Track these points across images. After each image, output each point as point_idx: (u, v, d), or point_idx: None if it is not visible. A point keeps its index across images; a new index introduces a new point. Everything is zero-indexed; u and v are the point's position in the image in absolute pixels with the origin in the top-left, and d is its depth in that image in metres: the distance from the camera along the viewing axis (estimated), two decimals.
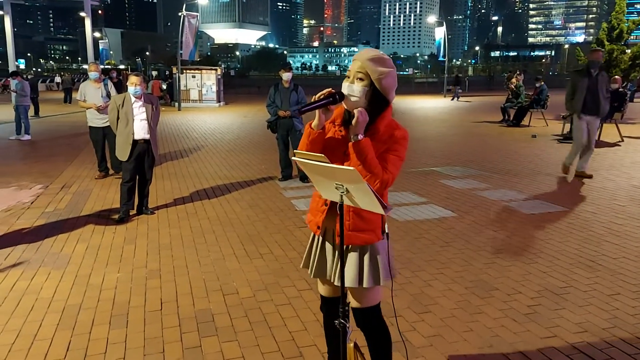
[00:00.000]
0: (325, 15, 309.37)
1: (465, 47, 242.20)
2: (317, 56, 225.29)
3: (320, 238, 2.32)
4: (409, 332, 3.22)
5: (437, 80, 49.29)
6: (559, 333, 3.20)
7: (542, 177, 7.97)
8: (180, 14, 23.98)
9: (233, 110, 22.72)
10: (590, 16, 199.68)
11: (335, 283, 2.25)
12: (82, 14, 21.97)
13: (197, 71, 24.45)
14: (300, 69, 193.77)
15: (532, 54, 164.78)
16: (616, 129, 11.89)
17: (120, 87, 17.02)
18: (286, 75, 7.46)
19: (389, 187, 2.16)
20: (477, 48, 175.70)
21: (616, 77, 15.42)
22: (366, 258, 2.21)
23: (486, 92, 38.01)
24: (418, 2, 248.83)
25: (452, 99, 29.88)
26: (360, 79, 2.07)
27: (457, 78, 34.44)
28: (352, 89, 2.07)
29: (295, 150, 2.06)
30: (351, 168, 1.82)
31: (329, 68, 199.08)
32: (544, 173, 8.27)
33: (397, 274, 2.31)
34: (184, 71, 24.00)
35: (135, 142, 5.60)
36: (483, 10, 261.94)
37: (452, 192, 7.04)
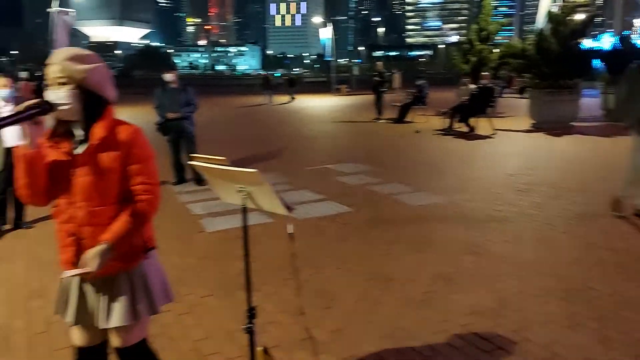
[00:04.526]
0: (211, 14, 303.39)
1: (350, 47, 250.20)
2: (205, 55, 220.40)
3: (76, 278, 1.98)
4: (314, 329, 3.25)
5: (326, 80, 50.38)
6: (452, 317, 3.41)
7: (427, 169, 8.45)
8: (49, 10, 22.23)
9: (119, 112, 21.50)
10: (461, 18, 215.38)
11: (102, 326, 1.96)
12: None
13: None
14: (188, 68, 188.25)
15: (411, 53, 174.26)
16: (489, 122, 12.93)
17: None
18: (169, 76, 7.23)
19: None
20: (360, 48, 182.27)
21: (484, 73, 16.77)
22: (135, 286, 1.96)
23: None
24: (303, 3, 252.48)
25: (272, 102, 25.91)
26: (64, 84, 1.81)
27: (265, 79, 28.55)
28: (58, 95, 1.79)
29: (191, 155, 1.98)
30: (254, 170, 1.79)
31: (218, 67, 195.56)
32: (428, 165, 8.77)
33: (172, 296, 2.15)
34: None
35: (7, 150, 5.09)
36: (365, 12, 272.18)
37: (347, 188, 7.23)
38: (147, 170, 1.92)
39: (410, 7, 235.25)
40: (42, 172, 1.84)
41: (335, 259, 4.50)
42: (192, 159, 1.98)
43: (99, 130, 1.85)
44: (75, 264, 1.91)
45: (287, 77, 29.68)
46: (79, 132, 1.88)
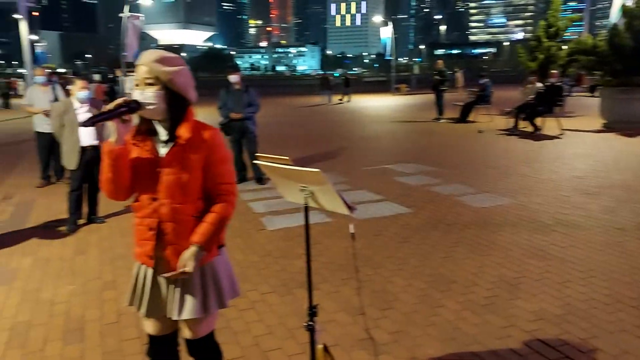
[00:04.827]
0: (272, 16, 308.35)
1: (411, 46, 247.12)
2: (266, 56, 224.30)
3: (150, 270, 2.06)
4: (374, 330, 3.25)
5: (386, 79, 50.06)
6: (516, 322, 3.31)
7: (490, 170, 8.23)
8: (120, 15, 23.33)
9: None
10: (527, 14, 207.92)
11: (174, 317, 2.04)
12: (17, 16, 21.00)
13: None
14: (249, 69, 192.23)
15: (474, 51, 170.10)
16: (556, 122, 12.42)
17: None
18: (233, 78, 7.38)
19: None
20: (422, 46, 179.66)
21: (552, 71, 16.08)
22: (207, 281, 2.04)
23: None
24: (363, 2, 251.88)
25: (331, 101, 26.49)
26: (151, 84, 1.89)
27: (325, 79, 29.03)
28: (145, 95, 1.88)
29: (255, 154, 2.03)
30: (317, 170, 1.82)
31: (278, 68, 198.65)
32: (491, 166, 8.53)
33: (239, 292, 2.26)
34: (128, 73, 23.36)
35: (83, 149, 5.40)
36: (426, 10, 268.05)
37: (406, 188, 7.16)
38: (227, 171, 2.03)
39: (473, 4, 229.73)
40: (126, 168, 1.94)
41: (395, 260, 4.47)
42: (255, 158, 2.03)
43: (185, 131, 1.93)
44: (152, 257, 2.01)
45: (343, 77, 29.67)
46: (162, 132, 1.97)
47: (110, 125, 1.86)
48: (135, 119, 1.95)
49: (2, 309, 3.70)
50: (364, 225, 5.48)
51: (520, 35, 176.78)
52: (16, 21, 21.19)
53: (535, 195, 6.57)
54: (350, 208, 1.92)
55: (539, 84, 13.03)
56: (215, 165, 1.98)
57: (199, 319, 2.05)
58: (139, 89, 1.89)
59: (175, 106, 1.93)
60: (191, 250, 1.93)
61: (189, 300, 2.01)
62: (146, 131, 1.97)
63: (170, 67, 1.90)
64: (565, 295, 3.67)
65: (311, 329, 2.10)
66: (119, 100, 1.86)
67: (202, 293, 2.03)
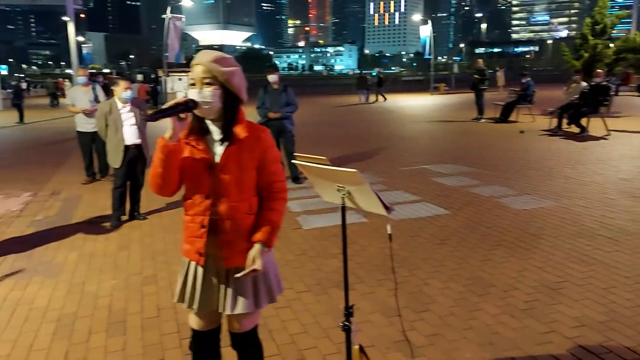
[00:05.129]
0: (310, 15, 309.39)
1: (451, 45, 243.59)
2: (304, 56, 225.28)
3: (200, 267, 2.09)
4: (409, 332, 3.22)
5: (424, 78, 49.50)
6: (557, 328, 3.23)
7: (532, 172, 8.03)
8: (163, 16, 23.85)
9: None
10: (572, 11, 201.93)
11: (227, 312, 2.07)
12: (65, 18, 21.77)
13: (183, 73, 24.26)
14: (287, 69, 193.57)
15: (516, 50, 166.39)
16: (602, 122, 12.02)
17: (107, 91, 16.86)
18: (272, 77, 7.45)
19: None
20: (462, 45, 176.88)
21: (598, 70, 15.58)
22: (257, 277, 2.08)
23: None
24: (402, 1, 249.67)
25: (369, 101, 26.84)
26: (209, 84, 1.92)
27: (362, 78, 28.94)
28: (203, 94, 1.91)
29: (292, 154, 2.05)
30: (354, 170, 1.82)
31: (316, 68, 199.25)
32: (533, 168, 8.33)
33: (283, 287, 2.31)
34: (170, 74, 23.89)
35: (126, 148, 5.56)
36: (467, 8, 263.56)
37: (445, 189, 7.06)
38: (280, 170, 2.11)
39: (516, 2, 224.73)
40: (177, 165, 1.98)
41: (431, 262, 4.42)
42: (293, 157, 2.05)
43: (241, 131, 1.98)
44: (203, 254, 2.04)
45: (378, 76, 29.47)
46: (216, 131, 2.00)
47: (168, 122, 1.90)
48: (190, 117, 1.99)
49: (50, 301, 3.85)
50: (401, 226, 5.44)
51: (564, 33, 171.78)
52: (65, 23, 21.98)
53: (579, 198, 6.38)
54: (387, 208, 1.92)
55: (584, 84, 12.64)
56: (269, 165, 2.05)
57: (248, 313, 2.10)
58: (196, 88, 1.92)
59: (230, 106, 1.97)
60: (256, 248, 1.99)
61: (242, 296, 2.05)
62: (199, 130, 2.01)
63: (227, 68, 1.94)
64: (609, 302, 3.56)
65: (347, 329, 2.10)
66: (178, 99, 1.89)
67: (254, 288, 2.08)
